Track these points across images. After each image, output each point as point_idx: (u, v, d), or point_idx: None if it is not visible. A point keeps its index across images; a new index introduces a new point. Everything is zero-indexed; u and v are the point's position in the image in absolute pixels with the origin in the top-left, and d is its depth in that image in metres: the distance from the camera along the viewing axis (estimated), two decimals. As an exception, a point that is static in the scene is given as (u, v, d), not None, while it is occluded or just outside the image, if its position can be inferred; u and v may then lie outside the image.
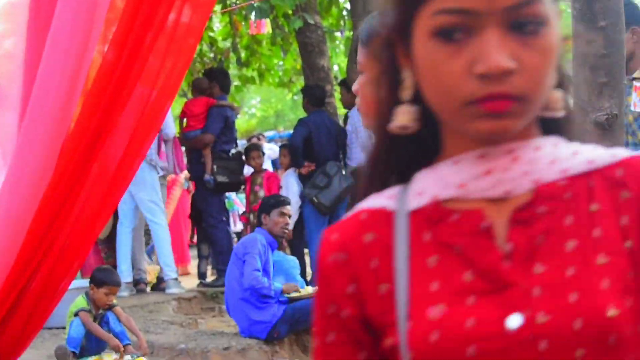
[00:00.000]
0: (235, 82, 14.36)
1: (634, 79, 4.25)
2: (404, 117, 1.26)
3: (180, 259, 10.99)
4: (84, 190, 3.08)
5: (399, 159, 1.31)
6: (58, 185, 2.97)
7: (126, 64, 2.99)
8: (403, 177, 1.30)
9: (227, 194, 10.56)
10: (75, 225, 3.12)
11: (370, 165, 1.35)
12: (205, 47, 13.71)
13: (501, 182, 1.21)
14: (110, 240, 9.25)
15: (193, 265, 10.99)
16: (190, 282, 9.81)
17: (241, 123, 25.45)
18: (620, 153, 1.24)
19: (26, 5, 3.05)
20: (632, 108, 4.23)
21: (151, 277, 9.64)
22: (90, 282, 6.31)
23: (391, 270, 1.22)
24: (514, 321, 1.13)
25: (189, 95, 10.53)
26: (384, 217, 1.26)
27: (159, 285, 9.36)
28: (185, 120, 9.91)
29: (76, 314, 6.20)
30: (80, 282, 6.89)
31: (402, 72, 1.26)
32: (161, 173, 9.09)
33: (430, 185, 1.25)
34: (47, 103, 2.79)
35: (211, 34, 13.43)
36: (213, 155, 9.67)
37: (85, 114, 2.99)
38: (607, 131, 3.10)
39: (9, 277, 2.95)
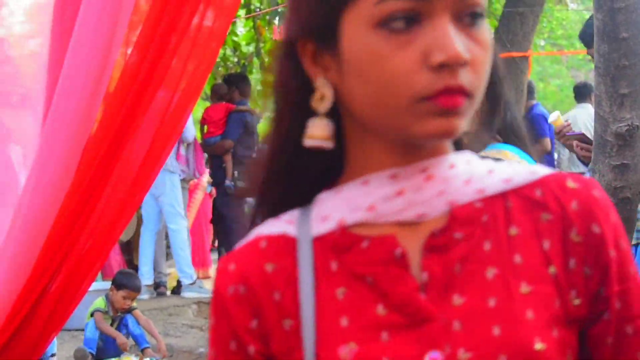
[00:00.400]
0: (258, 87, 14.37)
1: None
2: (322, 132, 1.12)
3: (202, 263, 10.99)
4: (105, 192, 3.09)
5: (298, 179, 1.17)
6: (79, 187, 2.98)
7: (149, 67, 3.00)
8: (300, 199, 1.17)
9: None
10: (96, 227, 3.13)
11: (263, 186, 1.20)
12: (228, 52, 13.73)
13: (414, 204, 1.09)
14: (129, 243, 9.26)
15: (214, 269, 10.98)
16: (211, 286, 9.79)
17: (264, 128, 25.46)
18: (539, 171, 1.13)
19: (52, 5, 3.06)
20: None
21: (171, 281, 9.65)
22: (112, 284, 6.35)
23: (296, 304, 1.10)
24: (434, 359, 1.03)
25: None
26: (286, 245, 1.13)
27: (179, 289, 9.37)
28: (205, 126, 9.91)
29: (92, 315, 6.24)
30: (101, 284, 6.93)
31: (314, 81, 1.12)
32: (181, 176, 9.10)
33: (335, 208, 1.13)
34: (70, 105, 2.80)
35: (235, 39, 13.44)
36: (234, 160, 9.66)
37: (108, 117, 3.00)
38: (627, 142, 3.10)
39: (30, 278, 2.96)
